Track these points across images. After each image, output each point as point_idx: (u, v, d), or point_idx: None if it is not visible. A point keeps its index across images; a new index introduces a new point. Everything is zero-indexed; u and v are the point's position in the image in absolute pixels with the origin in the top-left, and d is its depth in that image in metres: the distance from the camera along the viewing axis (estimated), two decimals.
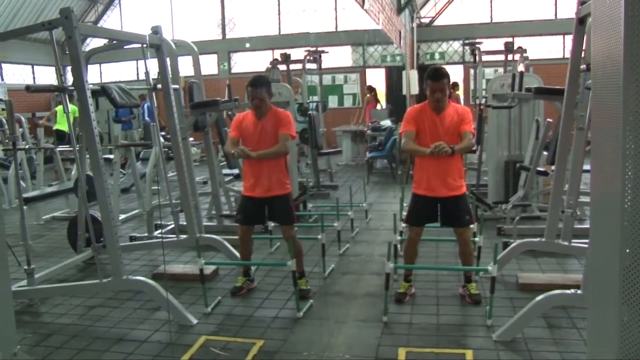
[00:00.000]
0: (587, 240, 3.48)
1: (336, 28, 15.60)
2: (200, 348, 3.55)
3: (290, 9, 15.89)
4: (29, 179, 8.24)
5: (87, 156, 4.66)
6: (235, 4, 16.31)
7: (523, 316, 3.50)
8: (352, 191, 6.73)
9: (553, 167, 4.71)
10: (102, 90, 4.90)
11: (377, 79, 15.52)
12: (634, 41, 1.64)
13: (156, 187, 7.84)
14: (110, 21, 17.09)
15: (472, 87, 12.86)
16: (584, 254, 4.02)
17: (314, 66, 10.76)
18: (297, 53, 10.65)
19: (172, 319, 3.90)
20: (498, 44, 9.77)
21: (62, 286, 4.64)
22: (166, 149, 6.76)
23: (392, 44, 12.90)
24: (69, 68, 3.88)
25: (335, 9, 15.59)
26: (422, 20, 15.44)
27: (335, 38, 15.03)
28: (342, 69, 15.59)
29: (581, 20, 3.93)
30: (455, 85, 13.30)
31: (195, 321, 3.94)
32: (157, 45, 4.78)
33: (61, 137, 10.92)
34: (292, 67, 10.32)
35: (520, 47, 9.12)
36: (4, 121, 8.89)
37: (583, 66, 4.04)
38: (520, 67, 8.63)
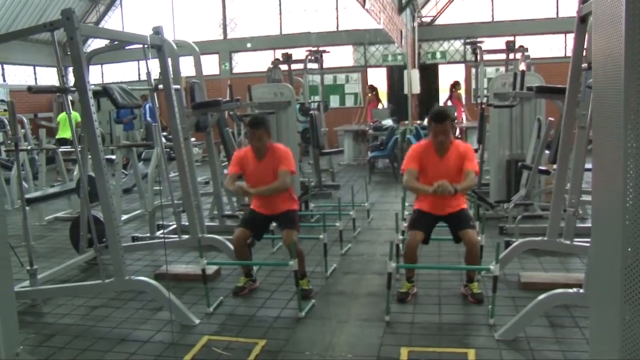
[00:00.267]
0: (589, 239, 3.49)
1: (337, 28, 15.59)
2: (203, 348, 3.56)
3: (291, 9, 15.89)
4: (31, 179, 8.25)
5: (89, 157, 4.68)
6: (237, 4, 16.31)
7: (525, 315, 3.50)
8: (354, 191, 6.73)
9: (555, 166, 4.71)
10: (103, 91, 4.91)
11: (378, 78, 15.53)
12: (635, 40, 1.64)
13: (158, 188, 7.85)
14: (111, 22, 17.10)
15: (473, 86, 12.90)
16: (586, 252, 4.02)
17: (315, 66, 10.76)
18: (299, 53, 10.65)
19: (174, 319, 3.91)
20: (499, 42, 9.76)
21: (65, 287, 4.65)
22: (168, 149, 6.76)
23: (393, 43, 12.90)
24: (70, 69, 3.88)
25: (337, 8, 15.58)
26: (423, 20, 15.42)
27: (337, 38, 15.02)
28: (343, 68, 15.58)
29: (583, 19, 3.92)
30: (457, 84, 13.32)
31: (197, 321, 3.95)
32: (158, 46, 4.78)
33: (64, 145, 10.94)
34: (294, 66, 10.33)
35: (521, 46, 9.11)
36: (6, 122, 8.92)
37: (584, 65, 4.04)
38: (522, 66, 8.62)
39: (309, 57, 10.47)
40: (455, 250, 5.12)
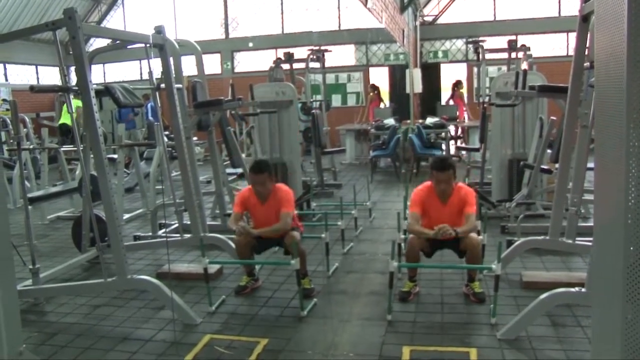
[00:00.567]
0: (591, 238, 3.49)
1: (339, 27, 15.58)
2: (205, 347, 3.56)
3: (293, 8, 15.88)
4: (33, 179, 8.27)
5: (91, 156, 4.68)
6: (238, 3, 16.31)
7: (527, 314, 3.49)
8: (355, 190, 6.72)
9: (557, 165, 4.70)
10: (105, 90, 4.91)
11: (380, 77, 15.52)
12: (638, 39, 1.64)
13: (160, 187, 7.86)
14: (113, 21, 17.11)
15: (475, 85, 12.86)
16: (588, 252, 4.02)
17: (317, 65, 10.76)
18: (300, 52, 10.65)
19: (176, 318, 3.91)
20: (501, 42, 9.77)
21: (67, 285, 4.66)
22: (170, 149, 6.77)
23: (395, 42, 12.89)
24: (72, 68, 3.89)
25: (338, 7, 15.57)
26: (425, 19, 15.40)
27: (339, 37, 15.02)
28: (345, 67, 15.57)
29: (585, 18, 3.92)
30: (459, 84, 13.32)
31: (199, 320, 3.96)
32: (160, 45, 4.79)
33: (66, 132, 10.94)
34: (296, 66, 10.33)
35: (523, 45, 9.11)
36: (9, 121, 8.94)
37: (587, 64, 4.03)
38: (524, 65, 8.61)
39: (311, 56, 10.48)
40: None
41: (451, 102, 13.57)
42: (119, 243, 3.99)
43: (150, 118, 11.80)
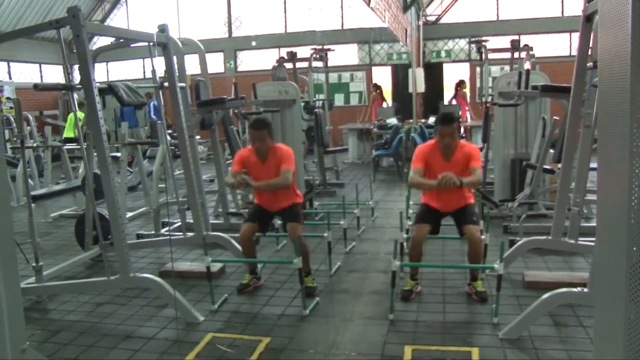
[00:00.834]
0: (593, 239, 3.47)
1: (342, 26, 15.58)
2: (207, 345, 3.57)
3: (296, 7, 15.88)
4: (36, 177, 8.28)
5: (95, 154, 4.69)
6: (242, 2, 16.32)
7: (529, 314, 3.49)
8: (358, 189, 6.73)
9: (559, 165, 4.70)
10: (109, 89, 4.92)
11: (383, 77, 15.52)
12: None
13: (163, 185, 7.88)
14: (117, 20, 17.14)
15: (478, 85, 12.83)
16: (591, 252, 4.01)
17: (320, 64, 10.75)
18: (304, 51, 10.64)
19: (179, 316, 3.92)
20: (504, 41, 9.73)
21: (70, 283, 4.67)
22: (173, 147, 6.78)
23: (398, 41, 12.88)
24: (76, 66, 3.90)
25: (341, 7, 15.58)
26: (428, 18, 15.39)
27: (342, 36, 15.02)
28: (348, 67, 15.58)
29: (588, 18, 3.91)
30: (462, 83, 13.30)
31: (202, 318, 3.96)
32: (163, 44, 4.79)
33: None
34: (299, 65, 10.31)
35: (526, 45, 9.08)
36: (13, 120, 8.96)
37: (590, 64, 4.03)
38: (527, 65, 8.60)
39: (314, 56, 10.46)
40: (459, 248, 5.12)
41: (454, 102, 13.56)
42: (122, 241, 4.00)
43: (153, 116, 11.82)
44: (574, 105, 4.20)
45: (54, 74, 16.65)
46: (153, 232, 6.15)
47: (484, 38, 10.00)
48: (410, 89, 12.17)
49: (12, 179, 8.03)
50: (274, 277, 4.82)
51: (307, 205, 7.01)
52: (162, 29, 4.81)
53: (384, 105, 13.54)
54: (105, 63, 16.85)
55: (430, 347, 3.43)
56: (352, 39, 15.29)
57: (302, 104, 8.90)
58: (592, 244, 3.91)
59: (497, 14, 14.91)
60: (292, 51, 10.15)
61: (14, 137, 9.40)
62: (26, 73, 16.01)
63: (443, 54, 15.50)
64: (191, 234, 5.21)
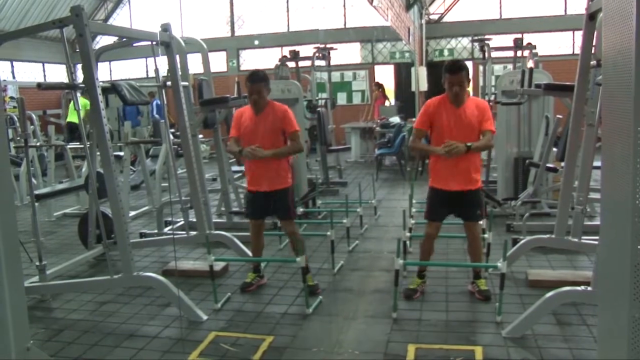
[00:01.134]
0: (597, 237, 3.47)
1: (345, 25, 15.57)
2: (210, 344, 3.57)
3: (298, 6, 15.88)
4: (40, 176, 8.29)
5: (98, 153, 4.70)
6: (244, 1, 16.32)
7: (533, 313, 3.49)
8: (361, 188, 6.73)
9: (562, 164, 4.69)
10: (112, 88, 4.93)
11: (385, 75, 15.49)
12: None
13: (166, 184, 7.88)
14: (119, 19, 17.16)
15: (481, 83, 12.82)
16: (594, 250, 4.00)
17: (322, 63, 10.75)
18: (306, 50, 10.64)
19: (182, 315, 3.93)
20: (507, 40, 9.71)
21: (74, 282, 4.68)
22: (176, 146, 6.78)
23: (400, 40, 12.86)
24: (79, 66, 3.90)
25: (344, 5, 15.57)
26: (431, 17, 15.38)
27: (344, 35, 15.00)
28: (350, 65, 15.57)
29: (591, 16, 3.91)
30: None
31: (205, 317, 3.97)
32: (166, 43, 4.79)
33: (73, 130, 10.97)
34: (301, 64, 10.32)
35: (529, 43, 9.07)
36: (16, 119, 8.97)
37: (593, 62, 4.02)
38: (530, 64, 8.57)
39: (317, 54, 10.46)
40: (462, 247, 5.11)
41: None
42: (125, 240, 4.01)
43: (156, 115, 11.82)
44: (577, 103, 4.20)
45: (57, 73, 16.68)
46: (156, 231, 6.17)
47: (486, 36, 9.96)
48: (413, 88, 12.16)
49: (16, 178, 8.05)
50: (277, 276, 4.82)
51: (310, 204, 7.01)
52: (165, 28, 4.81)
53: (387, 103, 13.51)
54: (108, 62, 16.87)
55: (433, 346, 3.43)
56: (354, 38, 15.28)
57: (305, 102, 8.88)
58: (596, 242, 3.89)
59: (500, 13, 14.88)
60: (294, 50, 10.15)
61: (17, 137, 9.41)
62: (29, 72, 16.04)
63: (446, 52, 15.48)
64: (194, 232, 5.22)
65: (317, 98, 10.59)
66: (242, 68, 16.28)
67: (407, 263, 4.39)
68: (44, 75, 16.56)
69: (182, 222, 5.64)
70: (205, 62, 6.50)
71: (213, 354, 3.45)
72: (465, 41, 15.09)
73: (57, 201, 7.62)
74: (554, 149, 5.89)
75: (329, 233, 4.85)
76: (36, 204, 4.77)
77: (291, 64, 9.97)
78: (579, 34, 4.34)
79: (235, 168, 7.69)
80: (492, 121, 4.09)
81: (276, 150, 4.31)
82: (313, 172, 8.88)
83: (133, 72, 16.61)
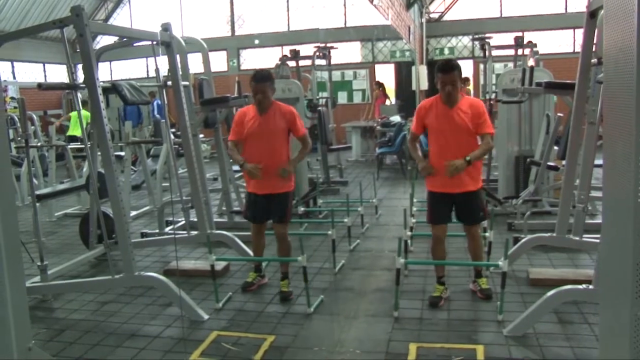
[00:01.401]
0: (598, 236, 3.48)
1: (345, 24, 15.57)
2: (212, 343, 3.57)
3: (299, 5, 15.88)
4: (41, 176, 8.30)
5: (99, 153, 4.70)
6: (244, 1, 16.32)
7: (534, 311, 3.49)
8: (362, 187, 6.73)
9: (564, 162, 4.69)
10: (112, 88, 4.93)
11: (386, 74, 15.49)
12: None
13: (167, 184, 7.88)
14: (120, 19, 17.16)
15: (482, 82, 12.81)
16: (595, 249, 4.00)
17: (323, 62, 10.75)
18: (306, 49, 10.64)
19: (183, 314, 3.92)
20: (508, 38, 9.70)
21: (75, 282, 4.68)
22: (176, 146, 6.79)
23: (401, 39, 12.86)
24: (79, 66, 3.90)
25: (344, 4, 15.56)
26: (431, 16, 15.37)
27: (345, 34, 15.00)
28: (351, 64, 15.57)
29: (592, 14, 3.90)
30: (466, 80, 13.26)
31: (206, 317, 3.97)
32: (167, 43, 4.80)
33: (74, 142, 10.97)
34: (302, 63, 10.32)
35: (530, 42, 9.06)
36: (17, 119, 8.98)
37: (594, 60, 4.02)
38: (531, 62, 8.57)
39: (317, 54, 10.46)
40: (463, 246, 5.10)
41: None
42: (126, 240, 4.01)
43: (157, 115, 11.82)
44: (578, 101, 4.20)
45: (57, 74, 16.69)
46: (157, 230, 6.17)
47: (487, 35, 9.96)
48: (414, 87, 12.15)
49: (17, 179, 8.05)
50: (278, 276, 4.81)
51: (311, 203, 7.01)
52: (166, 27, 4.81)
53: (387, 102, 13.52)
54: (108, 62, 16.87)
55: (435, 345, 3.43)
56: (355, 37, 15.27)
57: (306, 102, 8.88)
58: (597, 240, 3.90)
59: (501, 11, 14.87)
60: (295, 49, 10.15)
61: (18, 137, 9.42)
62: (30, 72, 16.06)
63: (446, 51, 15.47)
64: (195, 232, 5.22)
65: (317, 97, 10.59)
66: (242, 67, 16.28)
67: (408, 262, 4.39)
68: (45, 76, 16.57)
69: (183, 222, 5.64)
70: (206, 62, 6.50)
71: (214, 354, 3.45)
72: (466, 40, 15.08)
73: (58, 201, 7.63)
74: (555, 148, 5.89)
75: (330, 232, 4.85)
76: (37, 204, 4.77)
77: (292, 63, 9.97)
78: (579, 32, 4.34)
79: (236, 168, 7.69)
80: (489, 122, 4.03)
81: (296, 163, 4.42)
82: (314, 171, 8.88)
83: (134, 72, 16.61)
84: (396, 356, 3.32)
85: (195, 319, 3.93)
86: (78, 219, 6.11)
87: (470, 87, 13.56)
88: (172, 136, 5.77)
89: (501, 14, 14.85)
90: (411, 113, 11.95)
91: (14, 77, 15.40)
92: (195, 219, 5.23)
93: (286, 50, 11.25)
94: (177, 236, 5.37)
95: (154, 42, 4.63)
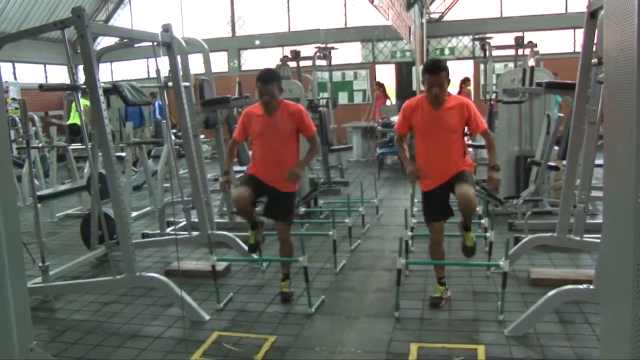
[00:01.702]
0: (599, 235, 3.48)
1: (346, 24, 15.57)
2: (213, 344, 3.58)
3: (299, 6, 15.89)
4: (42, 177, 8.31)
5: (100, 154, 4.71)
6: (245, 1, 16.33)
7: (535, 311, 3.49)
8: (362, 187, 6.72)
9: (564, 162, 4.69)
10: (113, 89, 4.93)
11: (386, 75, 15.50)
12: None
13: (168, 185, 7.89)
14: (120, 20, 17.17)
15: (482, 82, 12.82)
16: (596, 248, 4.01)
17: (323, 63, 10.75)
18: (307, 50, 10.65)
19: (185, 315, 3.93)
20: (508, 38, 9.71)
21: (76, 283, 4.69)
22: (177, 147, 6.79)
23: (401, 39, 12.87)
24: (80, 67, 3.91)
25: (345, 5, 15.57)
26: (432, 16, 15.37)
27: (345, 34, 15.01)
28: (351, 65, 15.57)
29: (593, 14, 3.90)
30: (466, 81, 13.28)
31: (207, 317, 3.97)
32: (167, 44, 4.80)
33: (75, 132, 11.00)
34: (302, 63, 10.32)
35: (530, 42, 9.07)
36: (18, 120, 9.00)
37: (594, 60, 4.02)
38: (531, 62, 8.57)
39: (318, 54, 10.47)
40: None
41: None
42: (128, 241, 4.01)
43: (158, 116, 11.83)
44: (579, 101, 4.20)
45: (58, 75, 16.70)
46: (158, 231, 6.17)
47: (487, 35, 9.97)
48: (414, 87, 12.16)
49: (18, 180, 8.05)
50: (279, 276, 4.81)
51: (312, 203, 7.02)
52: (166, 28, 4.82)
53: (388, 103, 13.52)
54: (109, 63, 16.87)
55: (435, 345, 3.43)
56: (355, 37, 15.28)
57: (306, 102, 8.88)
58: (598, 240, 3.90)
59: (501, 11, 14.87)
60: (295, 50, 10.16)
61: (19, 138, 9.44)
62: (31, 74, 16.07)
63: (447, 51, 15.47)
64: (196, 233, 5.22)
65: (318, 98, 10.60)
66: (243, 68, 16.29)
67: (409, 262, 4.39)
68: (46, 77, 16.59)
69: (184, 223, 5.64)
70: (207, 63, 6.50)
71: (216, 354, 3.45)
72: (466, 40, 15.08)
73: (59, 202, 7.63)
74: (556, 148, 5.89)
75: (331, 233, 4.86)
76: (39, 205, 4.78)
77: (292, 64, 9.97)
78: (580, 32, 4.35)
79: (237, 168, 7.70)
80: (480, 117, 3.93)
81: (305, 165, 4.31)
82: (315, 171, 8.88)
83: (134, 73, 16.62)
84: (397, 356, 3.33)
85: (197, 319, 3.94)
86: (79, 220, 6.11)
87: (471, 87, 13.58)
88: (173, 137, 5.77)
89: (501, 14, 14.86)
90: None
91: (15, 78, 15.41)
92: (196, 220, 5.24)
93: (287, 50, 11.27)
94: (178, 237, 5.37)
95: (155, 43, 4.64)
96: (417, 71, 12.13)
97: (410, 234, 4.95)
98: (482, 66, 13.20)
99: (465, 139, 4.22)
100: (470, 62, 15.12)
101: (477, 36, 10.54)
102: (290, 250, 4.36)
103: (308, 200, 6.91)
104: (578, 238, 4.38)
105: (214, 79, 6.50)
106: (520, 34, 9.58)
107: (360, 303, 4.20)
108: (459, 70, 15.07)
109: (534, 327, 3.52)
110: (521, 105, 6.50)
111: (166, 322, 3.94)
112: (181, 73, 5.06)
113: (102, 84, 4.03)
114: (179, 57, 5.05)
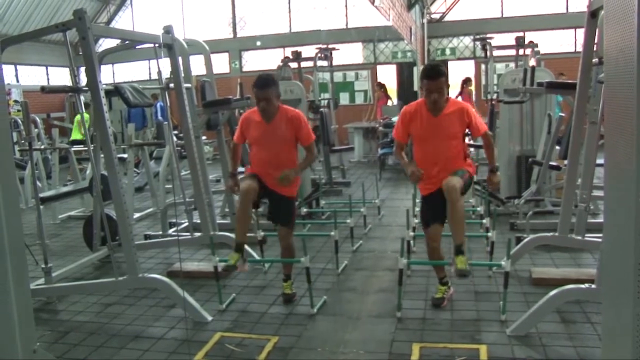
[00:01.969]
0: (600, 235, 3.48)
1: (347, 25, 15.58)
2: (216, 345, 3.58)
3: (300, 7, 15.90)
4: (44, 178, 8.33)
5: (102, 156, 4.72)
6: (246, 3, 16.35)
7: (537, 311, 3.49)
8: (364, 188, 6.73)
9: (565, 162, 4.69)
10: (115, 90, 4.94)
11: (388, 75, 15.51)
12: None
13: (170, 186, 7.90)
14: (122, 22, 17.21)
15: (483, 82, 12.81)
16: (598, 248, 4.00)
17: (325, 63, 10.76)
18: (308, 50, 10.65)
19: (187, 316, 3.93)
20: (509, 38, 9.71)
21: (79, 284, 4.69)
22: (179, 148, 6.80)
23: (402, 40, 12.88)
24: (82, 69, 3.92)
25: (346, 6, 15.58)
26: (433, 16, 15.38)
27: (346, 35, 15.02)
28: (353, 65, 15.58)
29: (593, 14, 3.91)
30: (468, 81, 13.29)
31: (210, 318, 3.98)
32: (169, 45, 4.81)
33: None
34: (303, 64, 10.32)
35: (531, 42, 9.07)
36: (20, 122, 9.01)
37: (595, 60, 4.02)
38: (532, 62, 8.57)
39: (319, 55, 10.47)
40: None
41: (460, 99, 13.53)
42: (130, 242, 4.02)
43: (160, 118, 11.85)
44: (580, 101, 4.20)
45: (60, 77, 16.73)
46: (160, 232, 6.17)
47: (488, 35, 9.97)
48: (415, 87, 12.16)
49: (21, 181, 8.08)
50: (281, 276, 4.81)
51: (314, 204, 7.02)
52: (168, 30, 4.83)
53: (389, 103, 13.52)
54: (111, 65, 16.91)
55: (438, 345, 3.43)
56: (356, 38, 15.29)
57: (308, 103, 8.89)
58: (599, 240, 3.90)
59: (502, 11, 14.88)
60: (296, 51, 10.16)
61: (22, 140, 9.45)
62: (33, 76, 16.10)
63: (448, 51, 15.47)
64: (198, 234, 5.23)
65: (319, 98, 10.60)
66: (244, 69, 16.31)
67: (411, 262, 4.39)
68: (48, 79, 16.61)
69: (186, 224, 5.66)
70: (208, 64, 6.51)
71: (218, 355, 3.46)
72: (467, 40, 15.08)
73: (61, 204, 7.64)
74: (557, 147, 5.89)
75: (332, 233, 4.86)
76: (41, 206, 4.79)
77: (293, 65, 9.97)
78: (580, 32, 4.35)
79: (238, 169, 7.71)
80: (480, 119, 3.91)
81: (300, 170, 4.18)
82: (316, 172, 8.89)
83: (136, 75, 16.63)
84: (399, 356, 3.33)
85: (199, 320, 3.94)
86: (81, 222, 6.12)
87: (472, 87, 13.58)
88: (174, 138, 5.79)
89: (502, 14, 14.86)
90: None
91: (17, 81, 15.44)
92: (199, 221, 5.25)
93: (288, 51, 11.27)
94: (180, 238, 5.38)
95: (156, 45, 4.65)
96: (418, 71, 12.12)
97: (412, 234, 4.95)
98: (483, 66, 13.20)
99: (466, 139, 4.20)
100: (471, 62, 15.13)
101: (478, 36, 10.55)
102: (292, 253, 4.34)
103: (310, 201, 6.92)
104: (579, 237, 4.39)
105: (215, 80, 6.51)
106: (521, 34, 9.57)
107: (362, 303, 4.20)
108: (460, 71, 15.11)
109: (536, 327, 3.52)
110: (522, 105, 6.50)
111: (169, 323, 3.95)
112: (182, 74, 5.08)
113: (104, 86, 4.05)
114: (180, 59, 5.06)
